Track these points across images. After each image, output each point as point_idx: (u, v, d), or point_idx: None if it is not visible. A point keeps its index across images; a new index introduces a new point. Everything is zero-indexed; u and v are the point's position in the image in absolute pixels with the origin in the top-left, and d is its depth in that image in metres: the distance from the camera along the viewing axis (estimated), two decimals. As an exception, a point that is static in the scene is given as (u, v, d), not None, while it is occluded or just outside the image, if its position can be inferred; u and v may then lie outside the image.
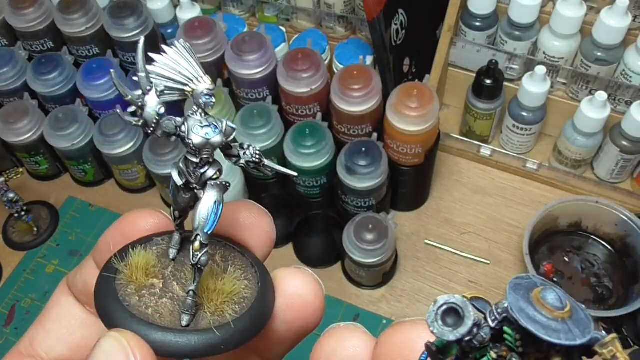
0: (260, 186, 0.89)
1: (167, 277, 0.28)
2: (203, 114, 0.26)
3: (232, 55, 0.83)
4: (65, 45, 0.95)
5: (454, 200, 0.94)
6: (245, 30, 0.98)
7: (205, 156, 0.26)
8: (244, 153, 0.28)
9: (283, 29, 0.98)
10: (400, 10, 0.85)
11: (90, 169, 0.96)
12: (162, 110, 0.27)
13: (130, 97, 0.27)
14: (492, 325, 0.20)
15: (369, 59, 0.90)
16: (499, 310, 0.20)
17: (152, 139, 0.86)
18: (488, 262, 0.88)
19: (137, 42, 0.27)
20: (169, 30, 0.98)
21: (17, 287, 0.91)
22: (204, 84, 0.26)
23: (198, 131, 0.26)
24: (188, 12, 0.95)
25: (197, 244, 0.26)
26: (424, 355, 0.22)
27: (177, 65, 0.26)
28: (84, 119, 0.90)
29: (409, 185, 0.89)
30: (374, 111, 0.81)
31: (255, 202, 0.31)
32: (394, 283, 0.87)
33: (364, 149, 0.79)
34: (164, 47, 0.26)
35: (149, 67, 0.26)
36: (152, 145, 0.86)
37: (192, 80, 0.26)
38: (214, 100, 0.26)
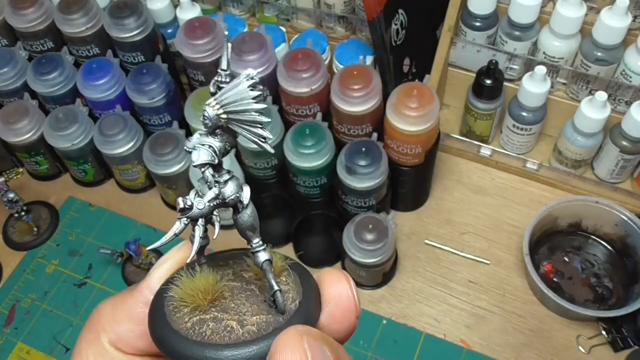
0: (260, 186, 0.89)
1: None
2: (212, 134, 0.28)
3: (232, 56, 0.83)
4: (65, 45, 0.95)
5: (454, 200, 0.94)
6: (245, 30, 0.98)
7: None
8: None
9: (283, 29, 0.98)
10: (400, 10, 0.85)
11: (90, 169, 0.96)
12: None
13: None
14: None
15: (369, 59, 0.90)
16: None
17: (152, 139, 0.86)
18: (488, 262, 0.88)
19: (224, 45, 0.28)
20: (169, 30, 0.98)
21: (17, 287, 0.91)
22: (206, 106, 0.27)
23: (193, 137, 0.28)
24: (188, 12, 0.95)
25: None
26: None
27: (233, 90, 0.27)
28: (84, 119, 0.90)
29: (409, 185, 0.89)
30: (374, 111, 0.81)
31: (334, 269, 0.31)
32: (394, 283, 0.87)
33: (364, 149, 0.79)
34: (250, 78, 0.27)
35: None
36: (152, 145, 0.86)
37: (213, 98, 0.27)
38: (202, 121, 0.27)
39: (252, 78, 0.26)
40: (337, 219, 0.89)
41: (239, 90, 0.26)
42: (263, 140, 0.27)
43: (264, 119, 0.27)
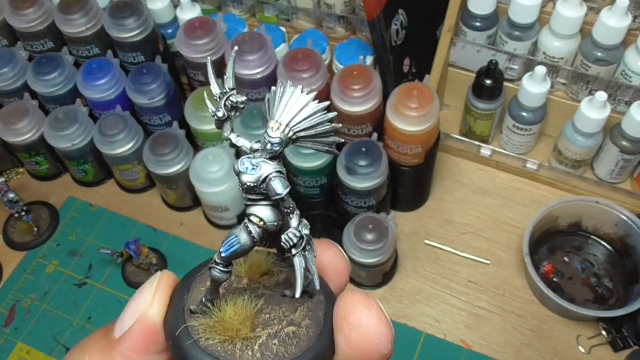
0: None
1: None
2: (264, 153, 0.26)
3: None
4: (65, 45, 0.95)
5: (454, 200, 0.94)
6: (245, 30, 0.98)
7: (242, 186, 0.27)
8: (288, 230, 0.27)
9: (283, 29, 0.98)
10: (400, 10, 0.85)
11: (90, 169, 0.96)
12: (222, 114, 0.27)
13: (215, 85, 0.27)
14: None
15: (369, 59, 0.90)
16: None
17: (152, 139, 0.86)
18: (488, 262, 0.88)
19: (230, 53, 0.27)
20: (169, 30, 0.98)
21: (17, 287, 0.91)
22: (274, 131, 0.26)
23: (242, 161, 0.26)
24: (188, 12, 0.95)
25: (214, 257, 0.27)
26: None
27: (282, 101, 0.26)
28: (84, 119, 0.90)
29: (409, 185, 0.89)
30: (374, 111, 0.81)
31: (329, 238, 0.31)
32: (394, 283, 0.87)
33: (364, 149, 0.79)
34: (299, 90, 0.26)
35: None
36: (152, 145, 0.86)
37: (273, 120, 0.26)
38: (269, 147, 0.26)
39: (303, 90, 0.26)
40: (337, 219, 0.89)
41: (308, 107, 0.26)
42: (332, 145, 0.27)
43: (337, 125, 0.27)
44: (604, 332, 0.80)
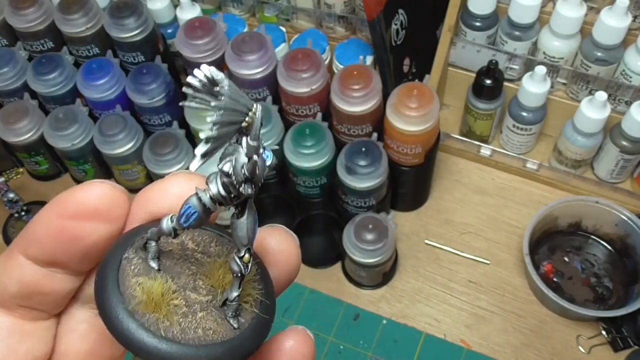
0: (260, 186, 0.89)
1: (178, 291, 0.26)
2: (247, 138, 0.25)
3: (232, 55, 0.83)
4: (65, 45, 0.95)
5: (454, 200, 0.94)
6: (245, 30, 0.98)
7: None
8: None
9: (283, 29, 0.98)
10: (400, 10, 0.85)
11: (90, 169, 0.96)
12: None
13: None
14: None
15: (369, 59, 0.90)
16: None
17: (152, 139, 0.86)
18: (488, 262, 0.88)
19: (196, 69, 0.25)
20: (169, 30, 0.98)
21: (17, 287, 0.91)
22: (258, 111, 0.24)
23: (251, 159, 0.25)
24: (188, 12, 0.95)
25: (247, 256, 0.26)
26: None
27: (236, 102, 0.24)
28: (84, 119, 0.90)
29: (409, 185, 0.89)
30: (374, 111, 0.81)
31: (282, 225, 0.31)
32: (394, 283, 0.87)
33: (364, 149, 0.79)
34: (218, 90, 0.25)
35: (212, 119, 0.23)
36: (152, 145, 0.86)
37: (249, 111, 0.24)
38: (259, 126, 0.25)
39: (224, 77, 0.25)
40: (337, 219, 0.89)
41: (232, 90, 0.25)
42: None
43: None
44: (604, 332, 0.80)
